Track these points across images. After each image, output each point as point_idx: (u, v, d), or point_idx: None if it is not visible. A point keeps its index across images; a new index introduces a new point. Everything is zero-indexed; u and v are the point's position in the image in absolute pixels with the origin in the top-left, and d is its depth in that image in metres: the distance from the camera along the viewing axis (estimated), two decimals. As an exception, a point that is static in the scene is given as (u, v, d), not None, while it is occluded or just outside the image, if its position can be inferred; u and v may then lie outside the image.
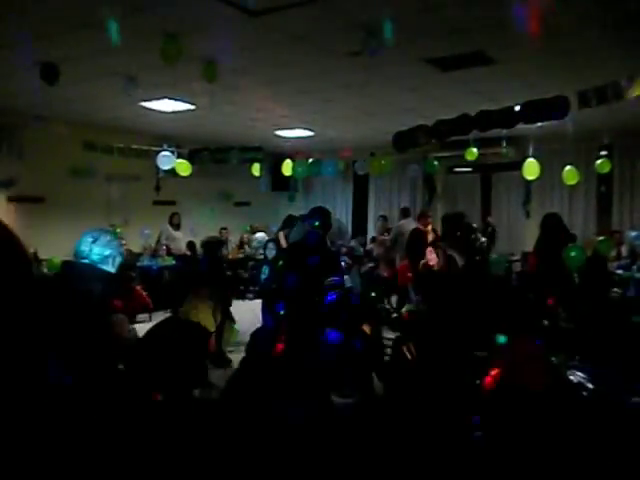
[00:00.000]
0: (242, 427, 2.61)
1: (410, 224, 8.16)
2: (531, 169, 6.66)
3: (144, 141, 8.71)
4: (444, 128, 6.02)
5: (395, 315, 6.54)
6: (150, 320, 7.40)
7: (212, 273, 5.78)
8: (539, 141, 7.25)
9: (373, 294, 6.05)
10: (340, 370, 3.39)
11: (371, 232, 11.50)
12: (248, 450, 2.47)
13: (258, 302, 6.28)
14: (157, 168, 8.08)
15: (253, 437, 2.53)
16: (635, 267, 7.68)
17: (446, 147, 8.97)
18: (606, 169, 7.88)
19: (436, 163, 9.41)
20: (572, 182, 7.23)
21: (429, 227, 8.10)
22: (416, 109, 7.54)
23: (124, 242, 8.85)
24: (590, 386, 2.99)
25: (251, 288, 9.95)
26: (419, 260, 4.98)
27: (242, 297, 9.61)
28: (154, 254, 9.49)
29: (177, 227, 9.94)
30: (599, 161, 7.86)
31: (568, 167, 7.12)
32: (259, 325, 5.01)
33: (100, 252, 2.67)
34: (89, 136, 8.00)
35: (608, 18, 4.40)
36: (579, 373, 3.11)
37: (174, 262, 9.33)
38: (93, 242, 2.68)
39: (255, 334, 4.03)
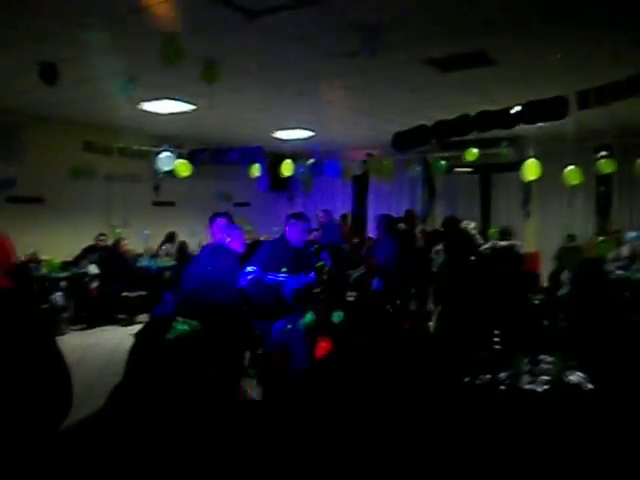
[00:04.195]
0: None
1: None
2: (532, 169, 6.63)
3: (144, 142, 8.72)
4: (444, 128, 6.02)
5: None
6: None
7: None
8: (539, 141, 7.26)
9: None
10: None
11: (370, 232, 11.51)
12: None
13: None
14: (156, 169, 8.10)
15: None
16: (634, 267, 7.68)
17: (446, 147, 8.98)
18: (609, 169, 7.82)
19: (443, 162, 9.40)
20: (575, 182, 7.18)
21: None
22: (416, 110, 7.55)
23: (125, 242, 8.87)
24: (590, 386, 2.99)
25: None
26: None
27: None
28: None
29: None
30: (601, 161, 7.81)
31: (571, 167, 7.08)
32: None
33: None
34: (89, 137, 8.00)
35: (608, 18, 4.41)
36: (578, 373, 3.11)
37: (174, 263, 9.31)
38: None
39: None
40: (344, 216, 10.98)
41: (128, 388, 1.54)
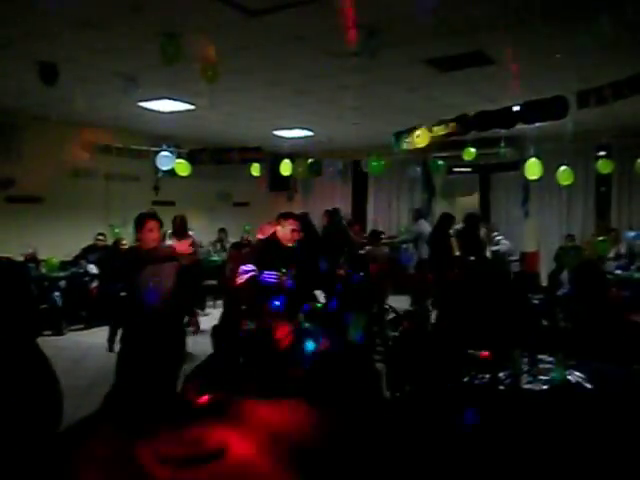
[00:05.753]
0: None
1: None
2: (533, 169, 6.65)
3: (143, 141, 8.72)
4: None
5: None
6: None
7: None
8: (538, 141, 7.26)
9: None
10: None
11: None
12: None
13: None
14: (156, 168, 8.08)
15: None
16: (633, 267, 7.68)
17: (445, 147, 8.98)
18: (607, 169, 7.86)
19: (441, 162, 9.46)
20: (567, 182, 7.24)
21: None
22: (415, 109, 7.55)
23: (124, 242, 8.85)
24: (589, 386, 2.99)
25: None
26: None
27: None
28: None
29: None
30: (600, 161, 7.85)
31: (563, 167, 7.12)
32: None
33: None
34: (88, 137, 8.00)
35: (608, 18, 4.41)
36: (577, 373, 3.11)
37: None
38: None
39: None
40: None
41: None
